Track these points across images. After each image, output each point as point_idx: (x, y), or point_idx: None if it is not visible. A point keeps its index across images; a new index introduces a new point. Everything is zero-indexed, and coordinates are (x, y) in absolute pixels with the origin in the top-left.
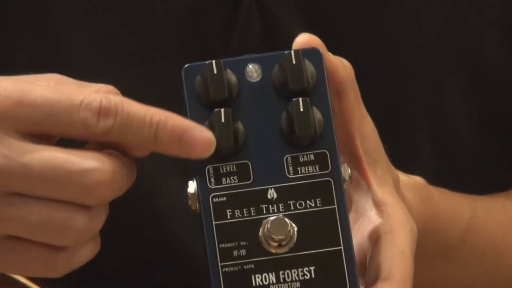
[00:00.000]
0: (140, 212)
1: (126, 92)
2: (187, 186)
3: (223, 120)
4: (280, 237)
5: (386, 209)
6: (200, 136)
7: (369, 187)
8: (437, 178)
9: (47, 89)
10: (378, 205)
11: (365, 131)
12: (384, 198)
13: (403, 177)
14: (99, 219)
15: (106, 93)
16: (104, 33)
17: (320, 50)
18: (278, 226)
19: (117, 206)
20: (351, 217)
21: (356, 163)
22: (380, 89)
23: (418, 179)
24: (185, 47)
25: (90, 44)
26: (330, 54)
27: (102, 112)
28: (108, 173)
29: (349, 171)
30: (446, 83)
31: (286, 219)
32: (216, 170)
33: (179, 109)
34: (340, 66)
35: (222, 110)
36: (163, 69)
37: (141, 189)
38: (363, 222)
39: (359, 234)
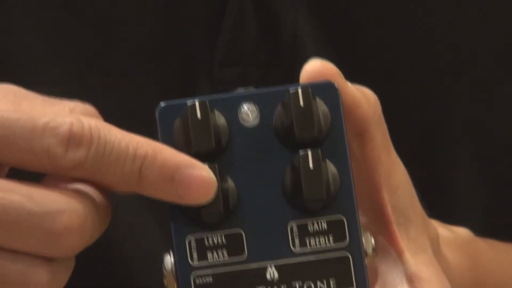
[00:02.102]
0: (103, 262)
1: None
2: (162, 260)
3: None
4: None
5: (422, 285)
6: (198, 176)
7: (400, 255)
8: (486, 225)
9: (4, 105)
10: (411, 279)
11: (395, 182)
12: (419, 271)
13: (444, 232)
14: (63, 275)
15: (80, 114)
16: (59, 33)
17: (336, 84)
18: None
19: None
20: None
21: (383, 224)
22: (413, 114)
23: (462, 232)
24: (159, 51)
25: (42, 47)
26: (349, 85)
27: (72, 139)
28: (79, 217)
29: (373, 242)
30: (500, 103)
31: None
32: (199, 242)
33: (152, 132)
34: (363, 100)
35: (206, 166)
36: (132, 77)
37: (107, 234)
38: None
39: None
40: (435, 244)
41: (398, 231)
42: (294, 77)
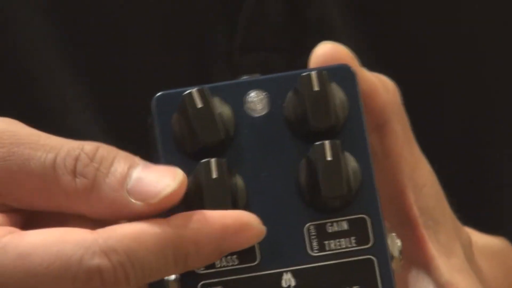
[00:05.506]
0: None
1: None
2: None
3: (215, 176)
4: None
5: None
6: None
7: (429, 262)
8: None
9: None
10: None
11: (420, 179)
12: (453, 278)
13: (478, 238)
14: None
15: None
16: (68, 21)
17: (352, 68)
18: None
19: None
20: None
21: (409, 228)
22: (451, 114)
23: (499, 241)
24: (172, 37)
25: (48, 34)
26: (365, 71)
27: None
28: None
29: (399, 243)
30: None
31: None
32: None
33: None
34: (381, 88)
35: (213, 161)
36: (144, 68)
37: None
38: None
39: None
40: (468, 251)
41: (427, 235)
42: None
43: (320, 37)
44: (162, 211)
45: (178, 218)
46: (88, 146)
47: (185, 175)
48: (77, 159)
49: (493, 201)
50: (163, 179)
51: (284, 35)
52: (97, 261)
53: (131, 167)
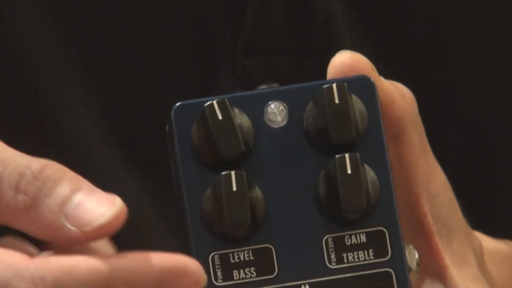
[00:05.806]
0: None
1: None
2: None
3: (235, 189)
4: None
5: None
6: None
7: (443, 271)
8: None
9: None
10: None
11: (435, 188)
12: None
13: (487, 243)
14: None
15: None
16: (71, 20)
17: (372, 79)
18: None
19: None
20: None
21: (423, 237)
22: (452, 114)
23: (507, 246)
24: (175, 39)
25: (52, 34)
26: (383, 80)
27: None
28: None
29: (417, 256)
30: None
31: None
32: (224, 258)
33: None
34: (398, 98)
35: (233, 174)
36: (145, 71)
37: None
38: None
39: None
40: (479, 257)
41: (441, 244)
42: (326, 69)
43: (325, 39)
44: (98, 239)
45: (117, 256)
46: (36, 163)
47: (124, 205)
48: (22, 175)
49: (493, 201)
50: (100, 208)
51: (289, 38)
52: (22, 286)
53: (74, 191)
